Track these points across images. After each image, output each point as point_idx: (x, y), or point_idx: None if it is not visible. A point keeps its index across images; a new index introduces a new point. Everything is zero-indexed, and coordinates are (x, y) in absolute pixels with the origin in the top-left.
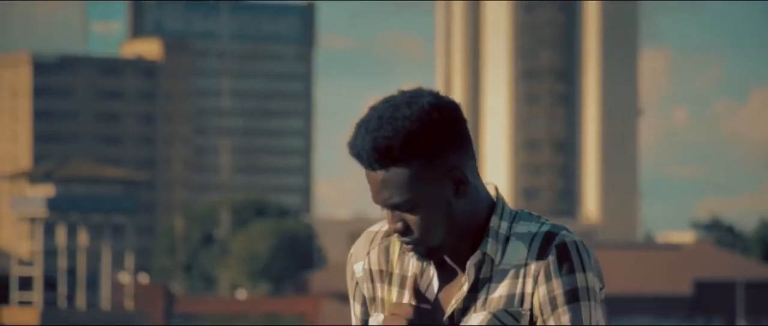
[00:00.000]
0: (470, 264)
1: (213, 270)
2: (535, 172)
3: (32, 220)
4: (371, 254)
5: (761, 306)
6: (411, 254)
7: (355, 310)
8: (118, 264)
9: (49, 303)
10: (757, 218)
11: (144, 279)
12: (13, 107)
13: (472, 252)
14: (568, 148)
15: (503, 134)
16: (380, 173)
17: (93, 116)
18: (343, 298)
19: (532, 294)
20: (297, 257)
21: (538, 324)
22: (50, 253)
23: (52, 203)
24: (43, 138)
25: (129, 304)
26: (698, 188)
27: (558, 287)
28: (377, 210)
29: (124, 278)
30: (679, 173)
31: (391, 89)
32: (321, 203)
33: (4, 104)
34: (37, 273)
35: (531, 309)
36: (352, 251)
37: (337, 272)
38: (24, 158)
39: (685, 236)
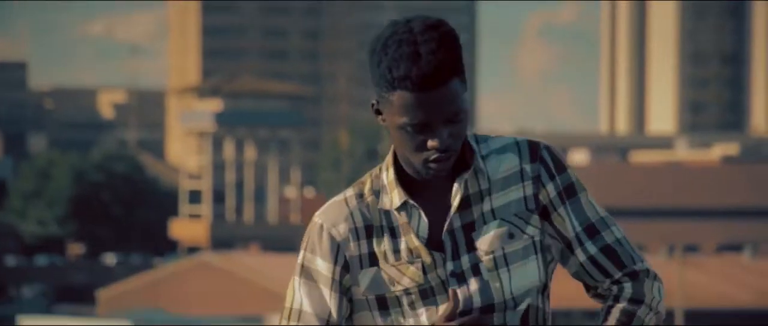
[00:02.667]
0: (460, 180)
1: None
2: (702, 85)
3: (200, 134)
4: (354, 214)
5: None
6: (436, 170)
7: (334, 273)
8: (284, 177)
9: (218, 215)
10: None
11: (309, 193)
12: (182, 23)
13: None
14: (736, 60)
15: (670, 47)
16: (439, 91)
17: (260, 32)
18: None
19: (536, 194)
20: None
21: (552, 218)
22: (218, 167)
23: (220, 118)
24: (211, 53)
25: (295, 218)
26: None
27: (560, 183)
28: (540, 125)
29: (291, 192)
30: None
31: (554, 6)
32: (483, 118)
33: (174, 19)
34: (205, 186)
35: (536, 209)
36: (319, 220)
37: None
38: (193, 73)
39: None
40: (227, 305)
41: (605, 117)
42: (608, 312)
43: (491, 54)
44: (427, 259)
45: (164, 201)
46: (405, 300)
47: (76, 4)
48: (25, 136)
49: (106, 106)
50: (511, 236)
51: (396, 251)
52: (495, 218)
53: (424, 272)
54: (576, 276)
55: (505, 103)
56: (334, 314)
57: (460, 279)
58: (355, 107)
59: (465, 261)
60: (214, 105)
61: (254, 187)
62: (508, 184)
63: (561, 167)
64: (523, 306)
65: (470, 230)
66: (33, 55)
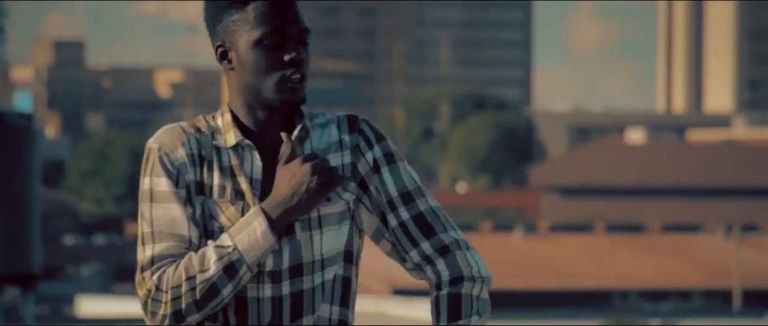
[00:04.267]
0: (294, 137)
1: (433, 162)
2: (760, 62)
3: None
4: (190, 141)
5: None
6: (291, 92)
7: (179, 192)
8: None
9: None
10: None
11: None
12: None
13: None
14: None
15: (728, 23)
16: (292, 2)
17: (315, 9)
18: (564, 192)
19: (355, 163)
20: (516, 150)
21: (370, 190)
22: None
23: None
24: None
25: None
26: None
27: (378, 151)
28: (596, 103)
29: None
30: None
31: None
32: (540, 95)
33: None
34: None
35: (354, 178)
36: (154, 145)
37: (557, 165)
38: None
39: None
40: None
41: (662, 95)
42: (437, 304)
43: (547, 31)
44: (251, 204)
45: None
46: (218, 236)
47: None
48: (83, 115)
49: (163, 85)
50: (328, 199)
51: (222, 187)
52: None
53: (242, 215)
54: (390, 252)
55: (560, 80)
56: (193, 230)
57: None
58: (410, 85)
59: None
60: None
61: None
62: (327, 152)
63: (380, 136)
64: (330, 275)
65: None
66: (90, 34)
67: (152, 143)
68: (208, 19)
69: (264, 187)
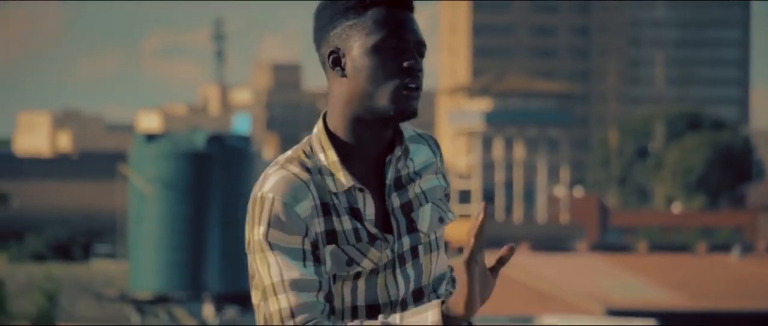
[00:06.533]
0: (393, 157)
1: (647, 182)
2: None
3: (470, 134)
4: (311, 191)
5: None
6: (407, 102)
7: (306, 246)
8: (553, 176)
9: (488, 216)
10: None
11: (578, 192)
12: (453, 21)
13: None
14: None
15: None
16: (410, 13)
17: (528, 29)
18: None
19: (444, 187)
20: (733, 169)
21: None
22: (487, 166)
23: (489, 117)
24: (481, 52)
25: (564, 217)
26: None
27: (446, 181)
28: None
29: (560, 191)
30: None
31: None
32: (758, 114)
33: (444, 17)
34: (475, 186)
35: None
36: (278, 197)
37: None
38: (463, 72)
39: None
40: (497, 304)
41: None
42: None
43: (766, 48)
44: (383, 241)
45: None
46: (360, 278)
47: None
48: (300, 137)
49: None
50: (440, 220)
51: (355, 231)
52: (427, 201)
53: (380, 253)
54: None
55: None
56: (324, 286)
57: (401, 260)
58: (624, 105)
59: (406, 242)
60: (483, 104)
61: (523, 186)
62: (427, 171)
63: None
64: (442, 292)
65: (408, 210)
66: (306, 57)
67: (268, 192)
68: (320, 26)
69: (376, 224)
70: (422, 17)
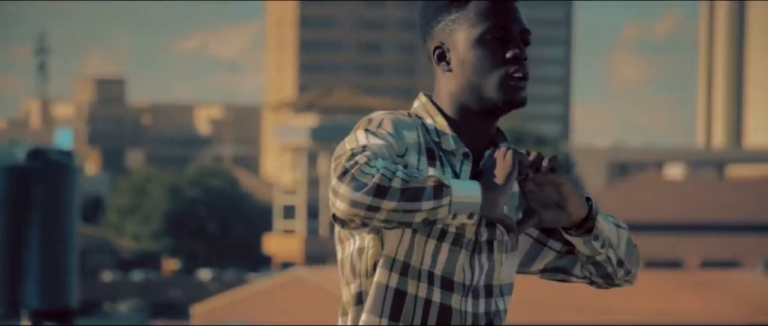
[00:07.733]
0: (501, 147)
1: None
2: None
3: (295, 149)
4: (420, 130)
5: None
6: (516, 90)
7: (395, 144)
8: None
9: (312, 231)
10: None
11: None
12: (278, 38)
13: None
14: None
15: None
16: (514, 2)
17: (355, 46)
18: None
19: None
20: None
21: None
22: (313, 182)
23: (315, 133)
24: (307, 68)
25: None
26: None
27: None
28: (638, 139)
29: None
30: None
31: (650, 17)
32: (577, 130)
33: (271, 34)
34: (300, 201)
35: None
36: (389, 115)
37: (596, 201)
38: (289, 87)
39: None
40: (321, 320)
41: (702, 131)
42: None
43: (586, 66)
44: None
45: (258, 216)
46: (444, 242)
47: (172, 20)
48: (123, 152)
49: (203, 122)
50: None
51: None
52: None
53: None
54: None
55: (599, 115)
56: (400, 165)
57: (479, 247)
58: None
59: (484, 231)
60: (309, 120)
61: None
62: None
63: None
64: (507, 303)
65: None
66: (131, 71)
67: (386, 113)
68: (424, 22)
69: None
70: (246, 34)
